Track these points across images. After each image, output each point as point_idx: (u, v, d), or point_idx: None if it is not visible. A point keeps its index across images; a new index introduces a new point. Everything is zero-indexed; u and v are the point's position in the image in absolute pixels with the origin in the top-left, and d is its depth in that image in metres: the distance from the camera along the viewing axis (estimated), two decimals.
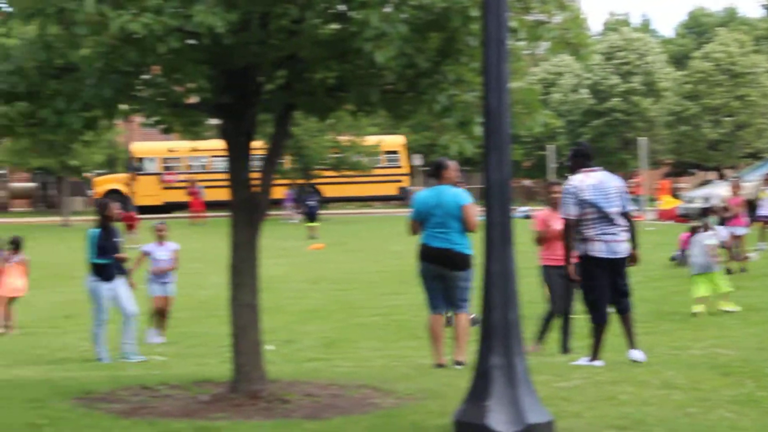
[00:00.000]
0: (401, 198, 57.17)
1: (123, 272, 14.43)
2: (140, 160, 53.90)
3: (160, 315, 16.24)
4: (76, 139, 9.58)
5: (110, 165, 59.38)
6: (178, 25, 7.26)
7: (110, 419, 8.35)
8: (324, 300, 20.67)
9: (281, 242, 33.68)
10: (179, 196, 51.54)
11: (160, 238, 16.44)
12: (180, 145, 53.09)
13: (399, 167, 55.05)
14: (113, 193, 52.26)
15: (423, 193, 11.71)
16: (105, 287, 14.04)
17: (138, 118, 9.52)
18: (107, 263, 14.06)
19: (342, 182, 52.68)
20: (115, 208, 14.96)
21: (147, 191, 51.98)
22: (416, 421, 8.11)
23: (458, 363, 11.42)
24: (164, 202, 52.90)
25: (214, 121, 9.50)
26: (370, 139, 50.98)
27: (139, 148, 54.15)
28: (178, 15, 7.24)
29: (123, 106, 8.75)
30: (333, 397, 9.44)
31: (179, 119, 9.32)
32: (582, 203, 10.92)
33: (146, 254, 16.28)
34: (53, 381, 10.75)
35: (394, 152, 55.23)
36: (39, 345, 15.60)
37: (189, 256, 32.49)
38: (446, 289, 11.49)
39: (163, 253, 16.31)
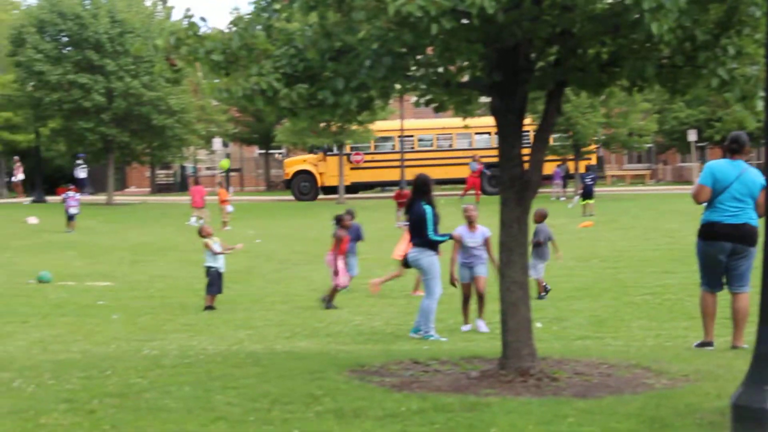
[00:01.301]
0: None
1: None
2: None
3: (477, 299, 14.73)
4: (352, 119, 9.82)
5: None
6: (452, 5, 7.32)
7: (383, 392, 8.56)
8: (594, 278, 20.41)
9: (550, 219, 33.51)
10: (366, 177, 52.19)
11: (471, 222, 14.73)
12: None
13: (586, 145, 53.55)
14: (302, 174, 53.58)
15: (721, 165, 11.17)
16: (438, 260, 13.88)
17: (411, 98, 9.68)
18: (439, 240, 13.83)
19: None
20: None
21: (335, 171, 52.60)
22: (691, 403, 7.92)
23: (736, 347, 11.07)
24: (351, 182, 53.51)
25: (484, 99, 9.54)
26: None
27: None
28: None
29: (397, 86, 8.92)
30: (603, 376, 9.34)
31: (451, 98, 9.41)
32: None
33: (457, 238, 14.63)
34: (329, 354, 11.13)
35: None
36: (316, 318, 16.13)
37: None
38: (731, 268, 11.12)
39: (473, 239, 14.66)
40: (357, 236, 20.14)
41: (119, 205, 49.38)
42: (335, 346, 12.96)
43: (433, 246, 13.85)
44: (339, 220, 18.78)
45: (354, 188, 53.48)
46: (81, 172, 55.46)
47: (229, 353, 11.38)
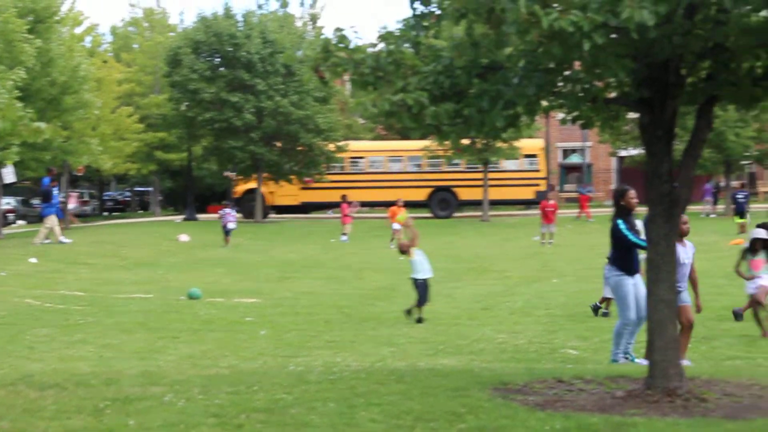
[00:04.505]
0: (538, 202, 54.14)
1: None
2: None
3: (684, 331, 12.49)
4: (497, 136, 9.81)
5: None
6: (604, 20, 7.24)
7: (526, 410, 8.49)
8: (744, 296, 19.86)
9: (700, 237, 32.84)
10: (317, 197, 51.89)
11: (683, 235, 12.64)
12: None
13: (537, 171, 52.75)
14: (252, 193, 53.27)
15: None
16: (629, 282, 12.77)
17: (556, 115, 9.60)
18: (632, 256, 12.80)
19: (478, 185, 51.35)
20: (632, 196, 12.89)
21: (285, 191, 52.15)
22: None
23: None
24: (301, 202, 53.50)
25: (633, 115, 9.41)
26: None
27: None
28: (604, 11, 7.22)
29: (544, 103, 8.86)
30: (755, 398, 9.11)
31: (598, 114, 9.30)
32: None
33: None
34: (472, 371, 11.08)
35: (533, 155, 53.12)
36: (459, 335, 16.11)
37: (599, 251, 32.49)
38: None
39: (686, 253, 12.74)
40: None
41: (266, 223, 50.24)
42: (478, 363, 12.92)
43: (624, 265, 12.81)
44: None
45: (304, 208, 53.27)
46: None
47: (372, 370, 11.43)
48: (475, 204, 53.09)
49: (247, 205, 53.44)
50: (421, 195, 51.35)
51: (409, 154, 53.85)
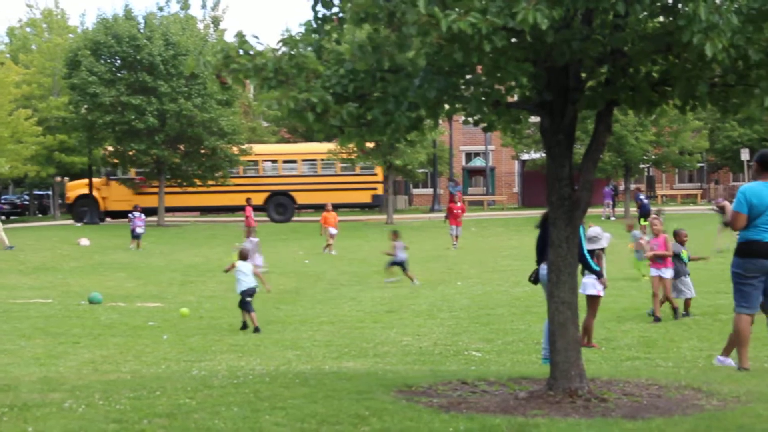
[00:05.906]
0: (375, 206, 55.08)
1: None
2: (113, 165, 53.20)
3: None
4: (402, 139, 9.80)
5: (432, 164, 60.70)
6: (503, 23, 7.30)
7: (430, 412, 8.52)
8: (643, 298, 20.23)
9: None
10: (151, 202, 51.13)
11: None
12: None
13: (373, 175, 53.55)
14: (84, 198, 52.85)
15: (755, 188, 10.96)
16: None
17: (459, 118, 9.67)
18: (590, 263, 13.33)
19: (314, 189, 52.29)
20: None
21: (118, 196, 52.16)
22: (743, 424, 7.81)
23: None
24: (134, 206, 53.65)
25: (534, 119, 9.51)
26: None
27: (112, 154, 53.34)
28: (502, 13, 7.28)
29: (446, 106, 8.91)
30: (653, 398, 9.26)
31: (501, 117, 9.38)
32: None
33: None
34: (377, 374, 11.10)
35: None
36: (363, 338, 16.13)
37: (503, 254, 32.82)
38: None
39: None
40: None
41: (169, 227, 49.72)
42: (382, 366, 12.95)
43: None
44: None
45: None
46: None
47: (277, 373, 11.39)
48: (313, 207, 53.29)
49: (78, 210, 52.57)
50: (258, 199, 51.28)
51: (245, 158, 53.55)
